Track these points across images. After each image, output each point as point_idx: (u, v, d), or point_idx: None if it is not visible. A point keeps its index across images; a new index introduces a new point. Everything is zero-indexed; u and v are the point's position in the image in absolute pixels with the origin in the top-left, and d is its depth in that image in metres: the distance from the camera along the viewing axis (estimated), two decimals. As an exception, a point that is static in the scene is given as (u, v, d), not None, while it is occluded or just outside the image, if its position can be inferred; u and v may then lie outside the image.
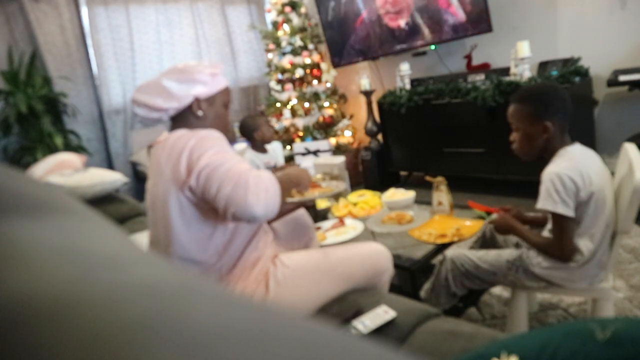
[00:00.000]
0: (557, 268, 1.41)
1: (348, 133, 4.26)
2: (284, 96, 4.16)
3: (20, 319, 0.13)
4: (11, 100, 3.28)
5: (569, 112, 1.41)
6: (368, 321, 1.15)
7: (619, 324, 0.60)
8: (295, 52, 4.11)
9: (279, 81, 4.19)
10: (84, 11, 3.75)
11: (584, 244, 1.36)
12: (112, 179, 2.47)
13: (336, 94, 4.32)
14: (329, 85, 4.22)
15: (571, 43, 3.18)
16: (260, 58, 4.73)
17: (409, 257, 1.67)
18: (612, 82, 2.76)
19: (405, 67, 3.73)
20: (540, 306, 1.85)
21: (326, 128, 4.16)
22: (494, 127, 3.18)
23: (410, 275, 1.70)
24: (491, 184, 3.48)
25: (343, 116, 4.29)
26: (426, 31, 3.62)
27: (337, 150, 4.08)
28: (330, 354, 0.16)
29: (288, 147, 4.07)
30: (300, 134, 4.12)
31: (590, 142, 3.01)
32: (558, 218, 1.34)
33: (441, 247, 1.73)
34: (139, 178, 3.85)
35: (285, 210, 1.50)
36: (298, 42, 4.09)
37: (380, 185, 3.78)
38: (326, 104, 4.16)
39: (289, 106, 4.13)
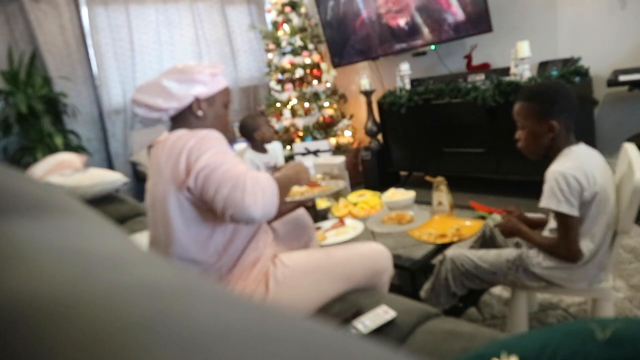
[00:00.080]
0: (557, 268, 1.41)
1: (348, 133, 4.26)
2: (284, 96, 4.16)
3: (20, 318, 0.13)
4: (11, 100, 3.28)
5: (575, 112, 1.40)
6: (368, 321, 1.15)
7: (619, 324, 0.60)
8: (295, 52, 4.11)
9: (279, 81, 4.19)
10: (84, 11, 3.75)
11: (585, 244, 1.36)
12: (112, 179, 2.47)
13: (336, 94, 4.32)
14: (329, 85, 4.22)
15: (571, 43, 3.18)
16: (260, 58, 4.73)
17: (409, 257, 1.67)
18: (612, 82, 2.77)
19: (405, 67, 3.73)
20: (540, 306, 1.85)
21: (326, 128, 4.16)
22: (494, 127, 3.18)
23: (410, 275, 1.70)
24: (491, 184, 3.48)
25: (343, 116, 4.29)
26: (426, 31, 3.62)
27: (337, 150, 4.08)
28: (330, 354, 0.16)
29: (288, 147, 4.07)
30: (300, 134, 4.12)
31: (590, 142, 3.00)
32: (563, 218, 1.34)
33: (441, 247, 1.73)
34: (139, 178, 3.85)
35: (285, 210, 1.50)
36: (298, 42, 4.09)
37: (380, 185, 3.78)
38: (326, 104, 4.16)
39: (289, 106, 4.13)
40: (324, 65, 4.20)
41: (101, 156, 3.90)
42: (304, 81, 4.13)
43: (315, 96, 4.13)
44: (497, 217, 1.62)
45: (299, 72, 4.07)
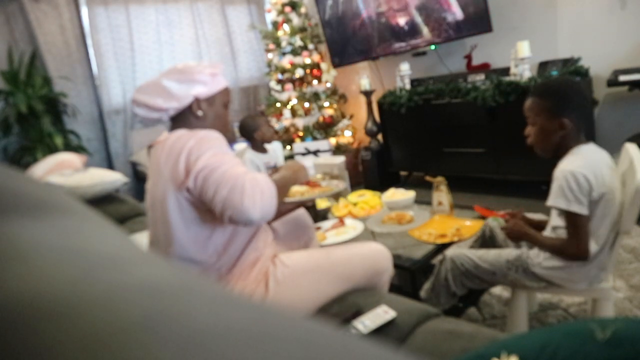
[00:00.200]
0: (558, 268, 1.41)
1: (348, 133, 4.26)
2: (284, 96, 4.16)
3: (20, 319, 0.13)
4: (11, 100, 3.28)
5: (588, 111, 1.40)
6: (368, 321, 1.15)
7: (619, 324, 0.60)
8: (295, 52, 4.11)
9: (279, 81, 4.20)
10: (84, 11, 3.75)
11: (590, 245, 1.36)
12: (112, 179, 2.47)
13: (336, 94, 4.32)
14: (329, 85, 4.22)
15: (571, 43, 3.18)
16: (260, 58, 4.73)
17: (409, 257, 1.67)
18: (612, 82, 2.76)
19: (405, 67, 3.73)
20: (540, 306, 1.85)
21: (326, 128, 4.17)
22: (494, 127, 3.18)
23: (410, 275, 1.70)
24: (491, 184, 3.48)
25: (343, 116, 4.29)
26: (426, 31, 3.62)
27: (337, 150, 4.08)
28: (330, 354, 0.16)
29: (288, 147, 4.07)
30: (300, 134, 4.12)
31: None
32: (572, 217, 1.32)
33: (441, 247, 1.73)
34: (139, 178, 3.85)
35: (284, 210, 1.50)
36: (298, 42, 4.09)
37: (380, 185, 3.78)
38: (326, 104, 4.16)
39: (289, 106, 4.13)
40: (324, 65, 4.20)
41: (101, 156, 3.90)
42: (304, 81, 4.13)
43: (315, 96, 4.13)
44: (501, 221, 1.62)
45: (299, 72, 4.07)
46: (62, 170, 2.44)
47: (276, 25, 4.18)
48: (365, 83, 3.93)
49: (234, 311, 0.16)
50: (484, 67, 3.48)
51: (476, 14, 3.29)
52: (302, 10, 4.18)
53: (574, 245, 1.35)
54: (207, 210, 1.18)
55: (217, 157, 1.13)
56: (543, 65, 3.11)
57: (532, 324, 1.69)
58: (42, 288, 0.14)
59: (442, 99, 3.41)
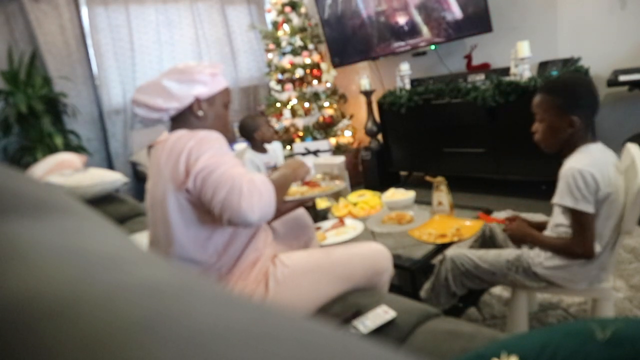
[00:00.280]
0: (559, 268, 1.41)
1: (348, 133, 4.26)
2: (284, 96, 4.16)
3: (20, 318, 0.13)
4: (11, 100, 3.28)
5: (597, 109, 1.37)
6: (368, 321, 1.15)
7: (619, 324, 0.60)
8: (295, 52, 4.11)
9: (279, 81, 4.20)
10: (84, 11, 3.75)
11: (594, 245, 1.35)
12: (112, 179, 2.47)
13: (336, 94, 4.32)
14: (329, 85, 4.22)
15: (571, 43, 3.18)
16: (260, 58, 4.73)
17: (409, 257, 1.67)
18: (612, 82, 2.76)
19: (405, 67, 3.73)
20: (540, 306, 1.85)
21: (326, 128, 4.17)
22: (494, 127, 3.18)
23: (410, 275, 1.70)
24: (491, 184, 3.48)
25: (343, 116, 4.29)
26: (426, 30, 3.62)
27: (337, 150, 4.08)
28: (330, 354, 0.16)
29: (288, 147, 4.07)
30: (300, 134, 4.12)
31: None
32: (579, 215, 1.31)
33: (441, 247, 1.73)
34: (139, 178, 3.85)
35: (284, 209, 1.50)
36: (298, 42, 4.10)
37: (380, 185, 3.78)
38: (326, 104, 4.16)
39: (289, 106, 4.13)
40: (324, 65, 4.20)
41: (101, 156, 3.90)
42: (304, 81, 4.13)
43: (315, 96, 4.13)
44: (502, 227, 1.61)
45: (299, 72, 4.07)
46: (62, 170, 2.44)
47: (276, 25, 4.18)
48: (365, 83, 3.93)
49: (234, 311, 0.16)
50: (484, 67, 3.48)
51: (476, 13, 3.29)
52: (302, 10, 4.18)
53: (579, 244, 1.34)
54: (207, 210, 1.17)
55: (215, 158, 1.13)
56: (543, 65, 3.11)
57: (532, 324, 1.69)
58: (42, 288, 0.14)
59: (442, 99, 3.41)
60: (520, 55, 2.99)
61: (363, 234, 1.89)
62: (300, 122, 4.09)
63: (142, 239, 1.91)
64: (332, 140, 4.09)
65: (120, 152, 3.95)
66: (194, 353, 0.13)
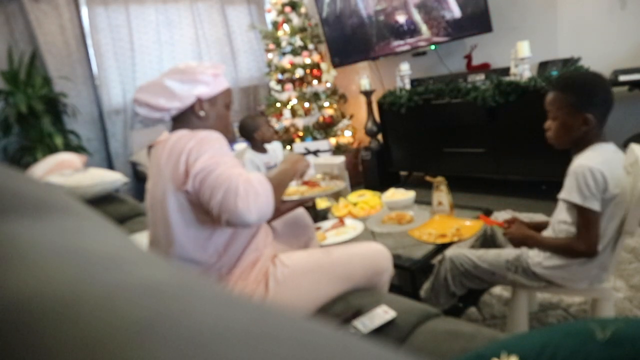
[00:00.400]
0: (559, 268, 1.41)
1: (348, 133, 4.26)
2: (284, 96, 4.16)
3: (20, 319, 0.13)
4: (11, 100, 3.28)
5: (612, 107, 1.35)
6: (368, 321, 1.15)
7: (619, 324, 0.60)
8: (295, 52, 4.11)
9: (279, 81, 4.20)
10: (84, 11, 3.75)
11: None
12: (112, 179, 2.47)
13: (336, 94, 4.32)
14: (329, 85, 4.22)
15: (571, 43, 3.18)
16: (260, 58, 4.73)
17: (409, 257, 1.67)
18: (612, 82, 2.76)
19: (405, 67, 3.73)
20: (540, 306, 1.85)
21: (326, 128, 4.17)
22: (494, 127, 3.18)
23: (410, 275, 1.70)
24: (491, 184, 3.48)
25: (343, 116, 4.30)
26: (425, 30, 3.62)
27: (337, 150, 4.08)
28: (330, 354, 0.16)
29: (288, 147, 4.07)
30: (300, 134, 4.12)
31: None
32: (586, 213, 1.30)
33: (441, 247, 1.73)
34: (139, 178, 3.85)
35: (284, 209, 1.50)
36: (298, 42, 4.10)
37: (380, 185, 3.78)
38: (326, 104, 4.16)
39: (289, 106, 4.13)
40: (324, 65, 4.20)
41: (101, 156, 3.90)
42: (304, 81, 4.13)
43: (315, 96, 4.13)
44: (501, 230, 1.61)
45: (299, 72, 4.07)
46: (62, 170, 2.44)
47: (276, 25, 4.18)
48: (365, 83, 3.93)
49: (234, 311, 0.16)
50: (484, 67, 3.48)
51: (476, 13, 3.29)
52: (302, 10, 4.18)
53: (583, 242, 1.33)
54: (207, 210, 1.18)
55: (214, 158, 1.13)
56: (543, 65, 3.11)
57: (532, 324, 1.69)
58: (42, 288, 0.14)
59: (442, 99, 3.41)
60: (520, 55, 2.99)
61: (363, 234, 1.89)
62: (300, 122, 4.09)
63: (142, 239, 1.91)
64: (332, 140, 4.09)
65: (120, 152, 3.96)
66: (194, 353, 0.13)
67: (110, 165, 3.89)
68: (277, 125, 4.15)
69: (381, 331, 1.12)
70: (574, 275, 1.41)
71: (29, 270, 0.15)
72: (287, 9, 4.13)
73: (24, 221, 0.18)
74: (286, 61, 4.11)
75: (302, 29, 4.15)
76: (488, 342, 0.91)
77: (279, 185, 1.27)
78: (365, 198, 2.25)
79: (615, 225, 1.35)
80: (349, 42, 4.11)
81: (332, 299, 1.31)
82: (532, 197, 3.10)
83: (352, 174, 3.87)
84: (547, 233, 1.50)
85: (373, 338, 0.21)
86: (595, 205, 1.29)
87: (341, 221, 2.02)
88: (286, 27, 4.12)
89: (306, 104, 4.11)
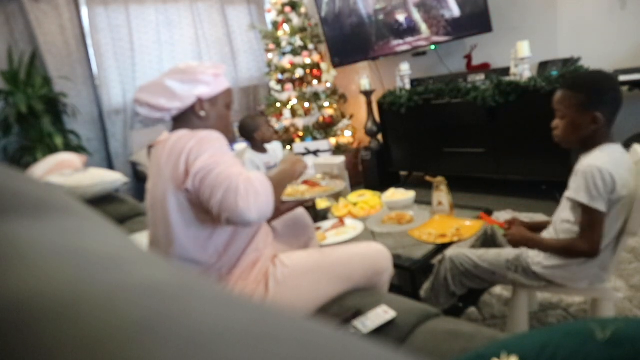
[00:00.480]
0: (559, 267, 1.41)
1: (348, 133, 4.26)
2: (284, 96, 4.16)
3: (20, 319, 0.13)
4: (11, 100, 3.28)
5: (621, 105, 1.34)
6: (368, 321, 1.15)
7: (619, 324, 0.60)
8: (295, 52, 4.11)
9: (279, 81, 4.20)
10: (84, 11, 3.75)
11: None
12: (112, 179, 2.47)
13: (336, 94, 4.32)
14: (329, 85, 4.22)
15: (571, 43, 3.18)
16: (260, 58, 4.73)
17: (409, 257, 1.67)
18: (612, 82, 2.76)
19: (405, 67, 3.73)
20: (541, 306, 1.85)
21: (326, 128, 4.17)
22: (494, 127, 3.18)
23: (410, 275, 1.70)
24: (491, 184, 3.48)
25: (343, 116, 4.30)
26: (425, 29, 3.62)
27: (337, 150, 4.08)
28: (330, 354, 0.16)
29: (288, 147, 4.07)
30: (300, 134, 4.12)
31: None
32: (591, 213, 1.30)
33: (441, 247, 1.73)
34: (139, 178, 3.85)
35: (284, 209, 1.50)
36: (298, 42, 4.10)
37: (380, 185, 3.78)
38: (326, 104, 4.16)
39: (289, 106, 4.13)
40: (324, 65, 4.20)
41: (101, 156, 3.90)
42: (304, 81, 4.13)
43: (315, 96, 4.13)
44: (501, 230, 1.61)
45: (299, 72, 4.07)
46: (62, 170, 2.44)
47: (276, 25, 4.18)
48: (365, 83, 3.93)
49: (234, 311, 0.16)
50: (484, 67, 3.48)
51: (476, 13, 3.29)
52: (302, 10, 4.18)
53: (586, 242, 1.32)
54: (207, 210, 1.18)
55: (214, 158, 1.13)
56: (543, 65, 3.11)
57: (532, 324, 1.69)
58: (42, 288, 0.14)
59: (442, 99, 3.41)
60: (520, 55, 2.99)
61: (363, 234, 1.89)
62: (300, 122, 4.09)
63: (142, 239, 1.91)
64: (332, 140, 4.09)
65: (120, 152, 3.96)
66: (194, 353, 0.13)
67: (110, 165, 3.89)
68: (277, 125, 4.15)
69: (381, 331, 1.12)
70: (574, 275, 1.41)
71: (29, 270, 0.15)
72: (287, 9, 4.13)
73: (24, 221, 0.18)
74: (286, 61, 4.11)
75: (302, 29, 4.15)
76: (488, 342, 0.91)
77: (278, 185, 1.27)
78: (365, 198, 2.25)
79: (619, 226, 1.35)
80: (349, 42, 4.11)
81: (332, 299, 1.31)
82: (532, 197, 3.10)
83: (352, 174, 3.87)
84: (548, 232, 1.49)
85: (373, 338, 0.21)
86: (601, 206, 1.28)
87: (341, 221, 2.02)
88: (286, 27, 4.12)
89: (306, 104, 4.11)
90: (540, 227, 1.57)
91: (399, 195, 2.18)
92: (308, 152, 3.85)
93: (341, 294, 1.33)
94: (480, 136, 3.29)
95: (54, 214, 0.20)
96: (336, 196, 2.31)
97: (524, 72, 3.01)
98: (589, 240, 1.32)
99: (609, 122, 1.34)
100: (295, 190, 1.53)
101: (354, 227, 1.95)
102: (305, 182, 1.56)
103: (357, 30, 4.02)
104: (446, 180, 2.00)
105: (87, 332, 0.13)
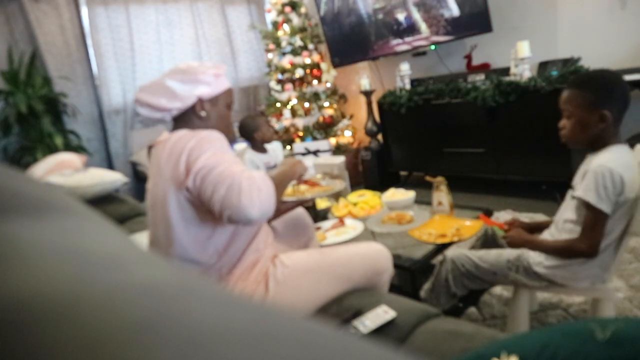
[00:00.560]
0: (560, 267, 1.41)
1: (348, 133, 4.26)
2: (284, 96, 4.16)
3: (20, 319, 0.13)
4: (11, 100, 3.28)
5: (628, 103, 1.34)
6: (368, 321, 1.15)
7: (619, 324, 0.60)
8: (295, 52, 4.11)
9: (279, 81, 4.20)
10: (84, 11, 3.75)
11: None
12: (112, 179, 2.47)
13: (336, 94, 4.32)
14: (329, 85, 4.22)
15: (571, 43, 3.18)
16: (260, 58, 4.73)
17: (409, 257, 1.67)
18: (612, 82, 2.76)
19: (405, 67, 3.73)
20: (541, 306, 1.85)
21: (326, 128, 4.17)
22: (494, 127, 3.18)
23: (410, 275, 1.70)
24: (491, 184, 3.48)
25: (343, 116, 4.30)
26: (425, 28, 3.62)
27: (337, 150, 4.08)
28: (330, 354, 0.16)
29: (288, 147, 4.07)
30: (300, 134, 4.12)
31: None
32: (596, 214, 1.30)
33: (441, 247, 1.73)
34: (139, 178, 3.85)
35: (284, 209, 1.51)
36: (298, 42, 4.10)
37: (380, 185, 3.78)
38: (326, 104, 4.16)
39: (289, 106, 4.13)
40: (324, 65, 4.20)
41: (101, 156, 3.90)
42: (304, 81, 4.13)
43: (315, 96, 4.13)
44: (501, 232, 1.60)
45: (299, 72, 4.07)
46: (62, 170, 2.44)
47: (276, 25, 4.18)
48: (365, 83, 3.93)
49: (234, 311, 0.16)
50: (484, 67, 3.48)
51: (476, 13, 3.29)
52: (302, 10, 4.18)
53: (586, 241, 1.32)
54: (208, 210, 1.18)
55: (216, 156, 1.13)
56: (543, 65, 3.11)
57: (532, 324, 1.69)
58: (42, 288, 0.14)
59: (442, 99, 3.41)
60: (520, 55, 2.99)
61: (363, 234, 1.89)
62: (300, 122, 4.09)
63: (142, 239, 1.91)
64: (332, 140, 4.09)
65: (120, 152, 3.96)
66: (194, 353, 0.13)
67: (110, 165, 3.89)
68: (277, 125, 4.15)
69: (381, 331, 1.12)
70: (573, 274, 1.41)
71: (29, 270, 0.15)
72: (287, 9, 4.13)
73: (24, 221, 0.18)
74: (286, 61, 4.11)
75: (302, 29, 4.15)
76: (488, 342, 0.91)
77: (278, 185, 1.27)
78: (365, 198, 2.25)
79: (623, 226, 1.35)
80: (349, 42, 4.11)
81: (332, 299, 1.31)
82: (532, 197, 3.09)
83: (352, 174, 3.87)
84: (550, 232, 1.49)
85: (373, 338, 0.21)
86: (606, 208, 1.28)
87: (341, 221, 2.02)
88: (286, 27, 4.12)
89: (306, 104, 4.11)
90: (540, 227, 1.57)
91: (399, 195, 2.18)
92: (308, 152, 3.85)
93: (341, 294, 1.33)
94: (480, 136, 3.29)
95: (54, 214, 0.20)
96: (336, 196, 2.31)
97: (524, 72, 3.01)
98: (588, 240, 1.32)
99: (616, 121, 1.33)
100: (295, 190, 1.53)
101: (354, 227, 1.95)
102: (305, 182, 1.56)
103: (357, 30, 4.02)
104: (446, 180, 2.00)
105: (87, 332, 0.13)
